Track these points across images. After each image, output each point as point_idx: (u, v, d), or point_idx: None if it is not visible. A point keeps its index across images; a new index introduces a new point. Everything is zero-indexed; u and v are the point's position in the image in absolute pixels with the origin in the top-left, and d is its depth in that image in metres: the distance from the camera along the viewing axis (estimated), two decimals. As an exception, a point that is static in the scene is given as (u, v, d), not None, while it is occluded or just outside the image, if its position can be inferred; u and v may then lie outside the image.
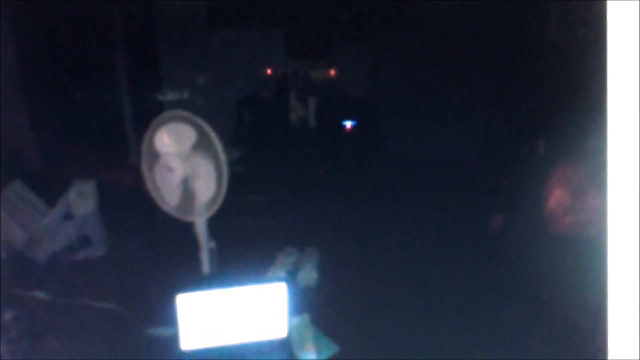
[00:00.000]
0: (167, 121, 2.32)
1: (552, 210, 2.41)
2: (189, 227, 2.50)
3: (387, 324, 2.74)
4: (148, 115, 2.39)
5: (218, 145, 2.31)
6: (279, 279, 2.85)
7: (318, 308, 2.75)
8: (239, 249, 3.03)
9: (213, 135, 2.31)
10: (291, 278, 3.03)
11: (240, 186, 2.53)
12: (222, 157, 2.32)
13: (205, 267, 2.56)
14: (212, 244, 2.55)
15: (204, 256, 2.54)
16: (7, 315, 2.51)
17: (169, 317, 2.29)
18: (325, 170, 4.38)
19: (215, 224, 2.52)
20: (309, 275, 3.06)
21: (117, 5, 4.09)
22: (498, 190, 3.40)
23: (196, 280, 2.56)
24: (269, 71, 4.73)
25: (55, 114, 3.92)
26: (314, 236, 3.39)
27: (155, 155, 2.37)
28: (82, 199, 3.14)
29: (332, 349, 2.51)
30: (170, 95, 4.64)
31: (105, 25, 4.05)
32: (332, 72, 4.72)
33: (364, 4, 4.37)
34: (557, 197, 2.39)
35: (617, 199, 1.16)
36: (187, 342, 2.30)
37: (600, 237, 1.24)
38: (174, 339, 2.30)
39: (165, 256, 3.17)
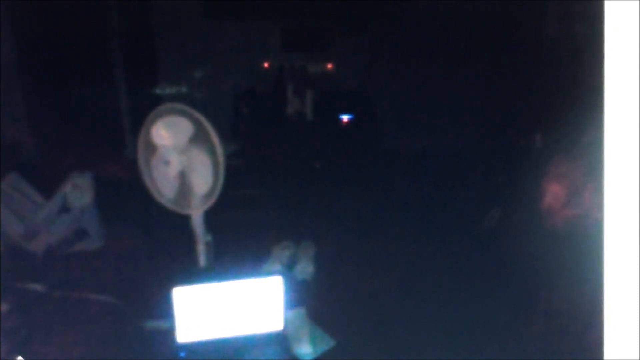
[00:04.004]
0: (163, 114, 2.32)
1: (548, 205, 2.41)
2: (185, 220, 2.50)
3: (382, 318, 2.74)
4: (145, 109, 2.39)
5: (215, 138, 2.31)
6: (275, 273, 2.85)
7: (314, 302, 2.76)
8: (236, 242, 3.03)
9: (210, 129, 2.31)
10: (287, 272, 3.03)
11: (236, 179, 2.53)
12: (219, 150, 2.32)
13: (202, 261, 2.56)
14: (209, 237, 2.55)
15: (201, 249, 2.55)
16: (4, 308, 2.51)
17: (165, 310, 2.30)
18: (322, 164, 4.38)
19: (211, 217, 2.52)
20: (305, 269, 3.06)
21: (114, -1, 4.09)
22: (495, 185, 3.41)
23: (192, 274, 2.56)
24: (266, 65, 4.73)
25: (52, 107, 3.92)
26: (310, 230, 3.39)
27: (152, 148, 2.37)
28: (79, 191, 3.14)
29: (328, 342, 2.51)
30: (167, 89, 4.63)
31: (103, 19, 4.04)
32: (329, 65, 4.72)
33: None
34: (553, 192, 2.39)
35: (614, 194, 1.16)
36: (184, 335, 2.30)
37: (596, 232, 1.24)
38: (170, 332, 2.31)
39: (162, 249, 3.17)
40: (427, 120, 4.58)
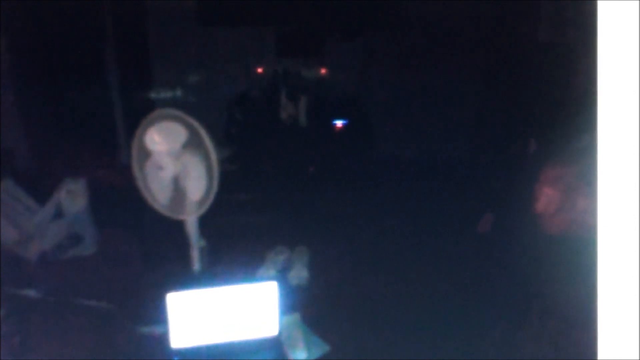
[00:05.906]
0: (157, 120, 2.32)
1: (542, 210, 2.41)
2: (179, 226, 2.50)
3: (377, 323, 2.74)
4: (139, 114, 2.38)
5: (208, 143, 2.31)
6: (270, 278, 2.85)
7: (308, 307, 2.75)
8: (230, 247, 3.03)
9: (203, 134, 2.31)
10: (282, 277, 3.02)
11: (230, 184, 2.53)
12: (213, 155, 2.32)
13: (196, 266, 2.56)
14: (203, 243, 2.55)
15: (195, 255, 2.54)
16: (-3, 314, 2.51)
17: (159, 316, 2.29)
18: (316, 169, 4.38)
19: (205, 222, 2.52)
20: (299, 274, 3.06)
21: (108, 4, 4.07)
22: (489, 190, 3.41)
23: (187, 279, 2.56)
24: (259, 70, 4.72)
25: (45, 112, 3.91)
26: (304, 235, 3.39)
27: (146, 154, 2.37)
28: (73, 197, 3.13)
29: (323, 348, 2.51)
30: (161, 94, 4.63)
31: (96, 24, 4.03)
32: (323, 70, 4.72)
33: (355, 2, 4.36)
34: (547, 196, 2.40)
35: (607, 199, 1.16)
36: (178, 340, 2.30)
37: (590, 236, 1.24)
38: (164, 338, 2.30)
39: (156, 255, 3.17)
40: (421, 125, 4.58)
